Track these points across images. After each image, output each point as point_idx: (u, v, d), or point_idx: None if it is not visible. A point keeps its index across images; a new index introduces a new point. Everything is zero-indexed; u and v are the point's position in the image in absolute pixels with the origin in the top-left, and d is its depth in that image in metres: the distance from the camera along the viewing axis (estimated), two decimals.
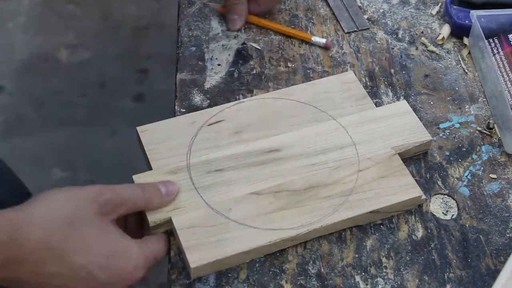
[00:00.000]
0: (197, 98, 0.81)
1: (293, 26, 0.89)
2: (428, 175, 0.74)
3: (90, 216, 0.59)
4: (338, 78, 0.81)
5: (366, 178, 0.70)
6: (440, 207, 0.71)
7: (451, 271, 0.66)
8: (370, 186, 0.70)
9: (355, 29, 0.88)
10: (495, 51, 0.83)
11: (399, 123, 0.75)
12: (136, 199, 0.64)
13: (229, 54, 0.86)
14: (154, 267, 0.64)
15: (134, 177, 0.70)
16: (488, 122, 0.79)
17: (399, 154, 0.72)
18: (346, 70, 0.84)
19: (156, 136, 0.74)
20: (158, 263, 0.64)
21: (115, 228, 0.61)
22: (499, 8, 0.86)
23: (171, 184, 0.68)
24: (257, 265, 0.66)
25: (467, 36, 0.87)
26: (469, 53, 0.87)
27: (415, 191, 0.69)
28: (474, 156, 0.76)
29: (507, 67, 0.81)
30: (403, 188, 0.69)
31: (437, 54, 0.87)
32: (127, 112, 1.78)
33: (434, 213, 0.70)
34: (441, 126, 0.79)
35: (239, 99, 0.80)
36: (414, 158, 0.75)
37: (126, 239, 0.61)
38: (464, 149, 0.76)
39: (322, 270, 0.66)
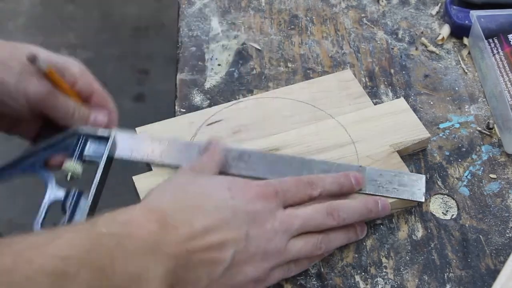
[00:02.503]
0: (197, 98, 0.81)
1: (293, 26, 0.89)
2: (428, 175, 0.74)
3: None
4: (336, 77, 0.81)
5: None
6: (440, 207, 0.71)
7: (451, 271, 0.66)
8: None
9: None
10: (495, 51, 0.83)
11: (397, 121, 0.75)
12: None
13: (229, 54, 0.86)
14: None
15: (134, 178, 0.70)
16: (488, 122, 0.79)
17: (397, 151, 0.73)
18: None
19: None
20: None
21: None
22: (499, 8, 0.86)
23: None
24: None
25: (467, 36, 0.87)
26: (469, 53, 0.87)
27: None
28: (474, 156, 0.76)
29: (507, 67, 0.81)
30: None
31: (437, 54, 0.87)
32: (127, 112, 1.78)
33: (434, 213, 0.70)
34: (441, 126, 0.79)
35: (239, 99, 0.80)
36: (414, 158, 0.75)
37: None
38: (464, 149, 0.76)
39: (322, 270, 0.66)
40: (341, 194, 0.67)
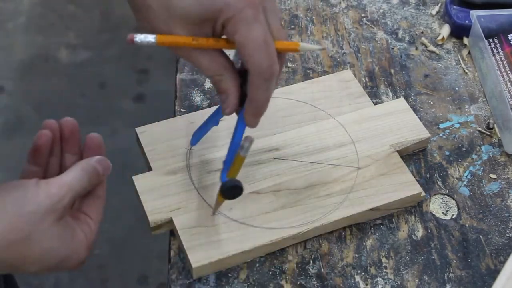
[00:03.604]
0: (197, 98, 0.81)
1: (293, 26, 0.89)
2: (428, 175, 0.74)
3: (45, 229, 0.56)
4: (336, 77, 0.81)
5: (366, 176, 0.70)
6: (440, 207, 0.71)
7: (451, 271, 0.66)
8: (370, 184, 0.70)
9: None
10: (495, 51, 0.83)
11: (397, 121, 0.75)
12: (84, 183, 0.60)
13: (229, 54, 0.86)
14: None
15: (134, 178, 0.70)
16: (488, 122, 0.79)
17: (398, 151, 0.73)
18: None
19: (155, 136, 0.74)
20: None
21: (65, 231, 0.57)
22: (499, 8, 0.86)
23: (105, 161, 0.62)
24: (257, 265, 0.66)
25: (467, 36, 0.87)
26: (469, 53, 0.87)
27: (415, 188, 0.69)
28: (474, 156, 0.76)
29: (507, 67, 0.81)
30: (403, 185, 0.70)
31: (437, 54, 0.87)
32: (127, 112, 1.78)
33: (434, 213, 0.71)
34: (441, 126, 0.79)
35: None
36: (414, 158, 0.75)
37: (75, 239, 0.58)
38: (464, 149, 0.76)
39: (322, 270, 0.66)
40: None
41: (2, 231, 0.53)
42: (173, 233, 0.68)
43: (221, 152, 0.72)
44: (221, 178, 0.64)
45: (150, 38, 0.58)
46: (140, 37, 0.58)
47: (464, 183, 0.73)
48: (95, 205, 0.61)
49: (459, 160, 0.75)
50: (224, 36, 0.60)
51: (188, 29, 0.59)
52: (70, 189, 0.56)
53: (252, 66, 0.59)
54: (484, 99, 0.82)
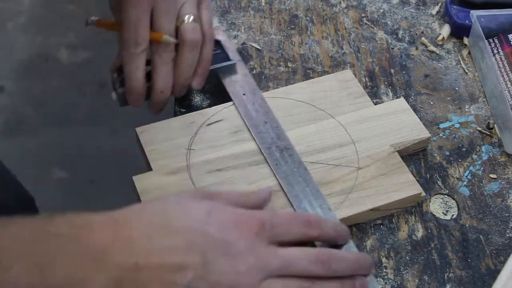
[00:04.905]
0: (197, 98, 0.81)
1: (293, 26, 0.89)
2: (428, 175, 0.74)
3: (185, 195, 0.59)
4: (336, 77, 0.81)
5: (366, 176, 0.70)
6: (440, 207, 0.71)
7: (451, 271, 0.66)
8: (370, 184, 0.70)
9: None
10: (495, 51, 0.83)
11: (397, 121, 0.75)
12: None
13: None
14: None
15: (134, 178, 0.70)
16: (488, 122, 0.79)
17: (398, 151, 0.73)
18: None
19: (155, 136, 0.74)
20: None
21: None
22: (499, 8, 0.86)
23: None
24: None
25: (467, 36, 0.87)
26: (469, 53, 0.87)
27: (415, 188, 0.69)
28: (474, 156, 0.76)
29: (507, 67, 0.81)
30: (403, 185, 0.70)
31: (437, 54, 0.87)
32: (127, 112, 1.78)
33: (434, 213, 0.70)
34: (441, 126, 0.78)
35: None
36: (414, 158, 0.75)
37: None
38: (464, 149, 0.76)
39: None
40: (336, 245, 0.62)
41: None
42: None
43: (221, 152, 0.72)
44: None
45: (93, 18, 0.79)
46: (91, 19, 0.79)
47: (464, 183, 0.73)
48: None
49: (459, 160, 0.75)
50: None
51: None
52: None
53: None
54: (484, 99, 0.82)
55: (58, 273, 0.50)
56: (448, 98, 0.81)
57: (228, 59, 0.80)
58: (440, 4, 0.93)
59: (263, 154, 0.72)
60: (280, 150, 0.72)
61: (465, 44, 0.88)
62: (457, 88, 0.83)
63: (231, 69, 0.79)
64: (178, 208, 0.56)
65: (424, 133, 0.74)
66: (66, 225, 0.52)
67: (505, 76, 0.81)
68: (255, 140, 0.73)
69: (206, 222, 0.55)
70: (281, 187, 0.69)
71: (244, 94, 0.78)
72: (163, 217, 0.55)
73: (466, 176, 0.74)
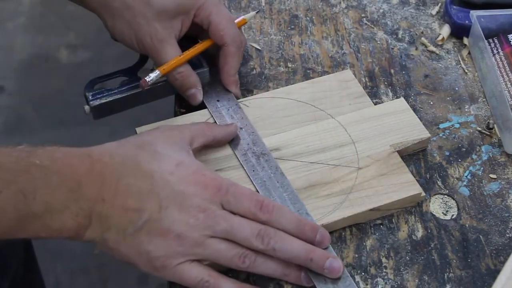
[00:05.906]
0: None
1: (293, 26, 0.89)
2: (428, 175, 0.74)
3: (162, 141, 0.64)
4: (336, 77, 0.81)
5: (366, 176, 0.70)
6: (440, 207, 0.71)
7: (451, 271, 0.66)
8: (370, 184, 0.70)
9: None
10: (495, 51, 0.83)
11: (397, 121, 0.75)
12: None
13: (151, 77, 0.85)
14: None
15: None
16: (488, 122, 0.79)
17: (398, 151, 0.73)
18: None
19: None
20: None
21: (187, 151, 0.65)
22: (499, 8, 0.86)
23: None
24: None
25: (467, 36, 0.87)
26: (469, 53, 0.87)
27: (415, 188, 0.69)
28: (474, 156, 0.76)
29: (507, 67, 0.81)
30: (403, 185, 0.70)
31: (437, 54, 0.87)
32: (127, 112, 1.78)
33: (434, 213, 0.70)
34: (441, 126, 0.79)
35: (239, 99, 0.79)
36: (414, 158, 0.75)
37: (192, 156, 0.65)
38: (464, 149, 0.76)
39: None
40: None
41: None
42: None
43: (221, 152, 0.72)
44: None
45: (156, 73, 0.73)
46: (150, 77, 0.73)
47: (464, 183, 0.73)
48: None
49: (459, 160, 0.75)
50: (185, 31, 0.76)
51: (163, 22, 0.73)
52: None
53: (228, 37, 0.75)
54: (484, 99, 0.82)
55: (39, 200, 0.56)
56: (448, 98, 0.82)
57: (201, 66, 0.78)
58: (440, 4, 0.93)
59: (239, 160, 0.72)
60: (256, 156, 0.71)
61: (465, 44, 0.88)
62: (457, 88, 0.83)
63: (204, 76, 0.78)
64: (151, 155, 0.62)
65: (424, 133, 0.74)
66: (49, 158, 0.58)
67: (505, 76, 0.81)
68: (230, 146, 0.73)
69: (171, 172, 0.61)
70: (259, 192, 0.68)
71: (218, 101, 0.77)
72: (134, 160, 0.61)
73: (466, 176, 0.74)
